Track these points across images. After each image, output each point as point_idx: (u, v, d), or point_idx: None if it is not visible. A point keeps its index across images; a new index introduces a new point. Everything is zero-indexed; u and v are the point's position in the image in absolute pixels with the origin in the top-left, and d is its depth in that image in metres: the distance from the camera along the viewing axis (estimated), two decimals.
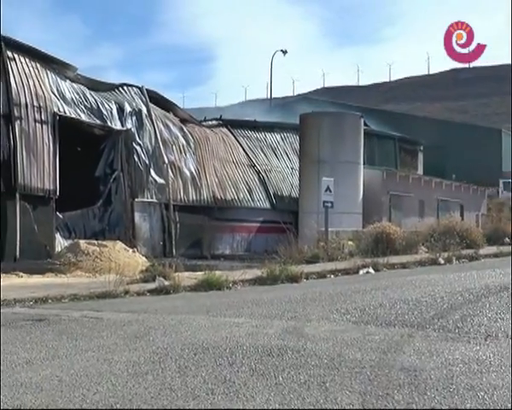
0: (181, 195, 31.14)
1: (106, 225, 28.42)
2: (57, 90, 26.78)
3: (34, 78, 25.86)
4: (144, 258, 22.77)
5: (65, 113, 26.63)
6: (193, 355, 7.40)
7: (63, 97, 26.93)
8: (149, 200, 29.60)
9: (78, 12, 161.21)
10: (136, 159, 29.31)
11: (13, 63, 25.11)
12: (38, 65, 26.38)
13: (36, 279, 17.39)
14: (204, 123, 36.43)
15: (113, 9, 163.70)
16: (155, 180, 29.81)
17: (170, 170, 30.66)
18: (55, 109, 26.10)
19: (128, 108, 29.70)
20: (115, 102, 29.53)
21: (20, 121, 24.56)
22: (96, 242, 23.70)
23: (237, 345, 7.88)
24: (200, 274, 15.81)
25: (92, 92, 28.85)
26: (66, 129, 26.15)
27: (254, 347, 7.74)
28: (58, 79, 27.14)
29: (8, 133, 23.98)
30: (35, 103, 25.30)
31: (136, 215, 28.88)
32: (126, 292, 13.55)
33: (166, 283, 14.39)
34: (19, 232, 23.46)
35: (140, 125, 30.03)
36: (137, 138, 29.62)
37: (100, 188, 28.91)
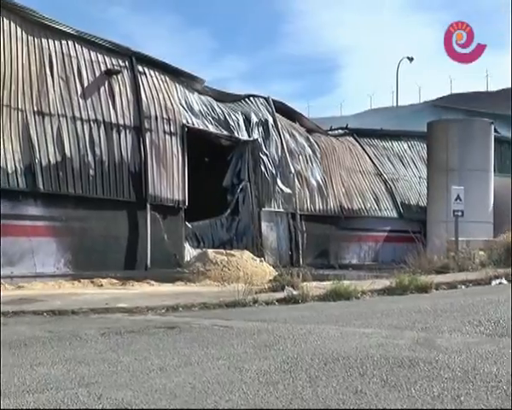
0: (307, 204, 31.11)
1: (233, 234, 28.71)
2: (185, 102, 27.32)
3: (164, 91, 26.49)
4: (271, 267, 22.80)
5: (193, 124, 27.13)
6: (323, 365, 7.30)
7: (191, 109, 27.44)
8: (276, 209, 29.71)
9: (206, 26, 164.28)
10: (263, 169, 29.49)
11: (143, 77, 25.83)
12: (168, 78, 27.01)
13: (166, 288, 17.71)
14: (330, 132, 36.32)
15: (239, 22, 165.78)
16: (282, 190, 29.89)
17: (296, 180, 30.68)
18: (184, 121, 26.63)
19: (254, 119, 29.93)
20: (242, 113, 29.82)
21: (151, 133, 25.18)
22: (223, 251, 23.95)
23: (367, 356, 7.72)
24: (327, 284, 15.67)
25: (219, 104, 29.26)
26: (194, 140, 26.64)
27: (385, 358, 7.57)
28: (186, 92, 27.69)
29: (138, 145, 24.64)
30: (164, 116, 25.90)
31: (264, 225, 29.04)
32: (255, 301, 13.58)
33: (295, 292, 14.33)
34: (149, 242, 24.01)
35: (266, 135, 30.21)
36: (264, 148, 29.80)
37: (227, 198, 29.26)
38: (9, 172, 20.76)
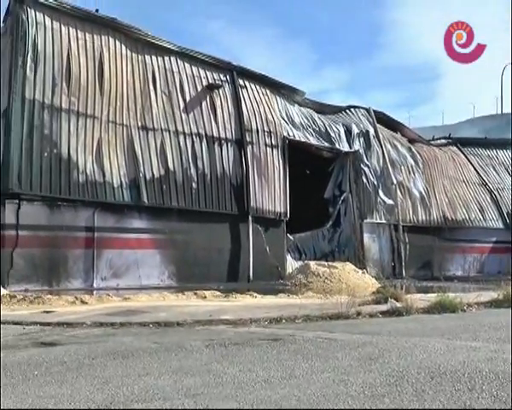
0: (410, 215, 30.68)
1: (335, 246, 28.59)
2: (286, 114, 27.43)
3: (264, 104, 26.68)
4: (374, 279, 22.57)
5: (294, 136, 27.21)
6: (429, 379, 7.14)
7: (292, 121, 27.53)
8: (378, 221, 29.42)
9: (305, 37, 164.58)
10: (365, 180, 29.28)
11: (244, 91, 26.10)
12: (268, 91, 27.21)
13: (269, 300, 17.71)
14: (432, 142, 35.76)
15: (339, 33, 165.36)
16: (384, 201, 29.60)
17: (398, 190, 30.33)
18: (285, 133, 26.74)
19: (355, 130, 29.77)
20: (343, 125, 29.74)
21: (252, 146, 25.39)
22: (325, 263, 23.88)
23: (476, 370, 7.50)
24: (432, 296, 15.36)
25: (320, 115, 29.27)
26: (295, 152, 26.69)
27: (494, 372, 7.34)
28: (287, 104, 27.82)
29: (240, 158, 24.88)
30: (265, 128, 26.07)
31: (365, 236, 28.81)
32: (358, 314, 13.43)
33: (398, 305, 14.11)
34: (252, 254, 24.16)
35: (367, 146, 30.01)
36: (365, 159, 29.60)
37: (329, 209, 29.19)
38: (115, 186, 21.30)
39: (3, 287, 17.30)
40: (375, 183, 29.61)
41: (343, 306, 13.34)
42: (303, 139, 27.76)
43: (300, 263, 25.30)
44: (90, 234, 20.75)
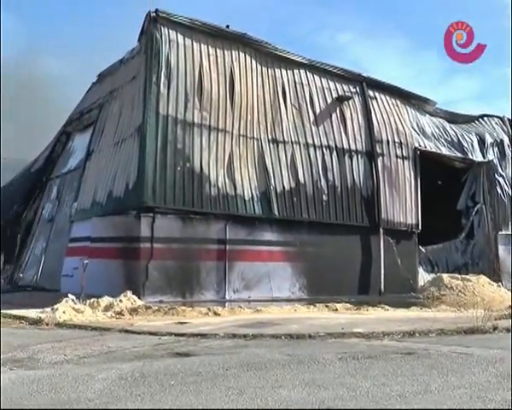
0: None
1: (468, 258, 27.90)
2: (417, 125, 27.08)
3: (395, 114, 26.42)
4: (510, 292, 21.87)
5: (425, 147, 26.81)
6: None
7: (423, 132, 27.15)
8: None
9: (434, 47, 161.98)
10: (499, 191, 28.50)
11: (374, 102, 25.93)
12: (398, 102, 26.93)
13: (401, 313, 17.49)
14: None
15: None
16: None
17: None
18: (416, 144, 26.39)
19: (489, 140, 29.04)
20: (475, 134, 29.09)
21: (382, 158, 25.17)
22: (458, 276, 23.37)
23: None
24: None
25: (452, 125, 28.72)
26: (425, 163, 26.27)
27: None
28: (418, 115, 27.45)
29: (371, 170, 24.70)
30: (396, 139, 25.80)
31: (500, 249, 27.99)
32: (495, 328, 13.05)
33: None
34: (383, 266, 23.92)
35: (502, 156, 29.23)
36: (500, 170, 28.85)
37: (462, 221, 28.53)
38: (246, 198, 21.55)
39: (139, 298, 17.79)
40: (510, 193, 28.74)
41: (478, 320, 12.99)
42: (434, 150, 27.31)
43: (433, 276, 24.87)
44: (222, 246, 21.06)
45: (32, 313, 15.51)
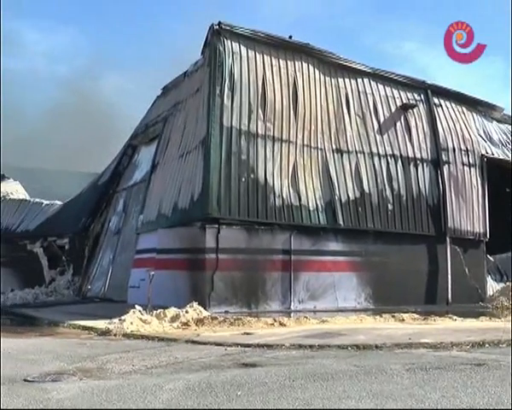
0: None
1: None
2: (484, 132, 26.67)
3: (460, 122, 26.07)
4: None
5: (492, 154, 26.39)
6: None
7: (490, 139, 26.73)
8: None
9: (500, 53, 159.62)
10: None
11: (439, 109, 25.65)
12: (464, 109, 26.58)
13: (469, 323, 17.17)
14: None
15: None
16: None
17: None
18: (483, 151, 26.00)
19: None
20: None
21: (448, 166, 24.85)
22: None
23: None
24: None
25: None
26: (493, 170, 25.84)
27: None
28: (484, 121, 27.05)
29: (436, 178, 24.41)
30: (462, 147, 25.45)
31: None
32: None
33: None
34: (450, 275, 23.58)
35: None
36: None
37: None
38: (311, 209, 21.50)
39: (205, 309, 17.87)
40: None
41: None
42: (502, 157, 26.84)
43: (502, 285, 24.42)
44: (287, 257, 21.04)
45: (101, 323, 15.75)
